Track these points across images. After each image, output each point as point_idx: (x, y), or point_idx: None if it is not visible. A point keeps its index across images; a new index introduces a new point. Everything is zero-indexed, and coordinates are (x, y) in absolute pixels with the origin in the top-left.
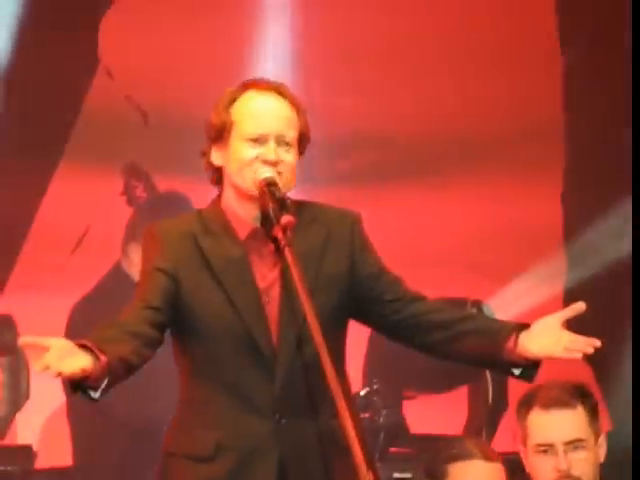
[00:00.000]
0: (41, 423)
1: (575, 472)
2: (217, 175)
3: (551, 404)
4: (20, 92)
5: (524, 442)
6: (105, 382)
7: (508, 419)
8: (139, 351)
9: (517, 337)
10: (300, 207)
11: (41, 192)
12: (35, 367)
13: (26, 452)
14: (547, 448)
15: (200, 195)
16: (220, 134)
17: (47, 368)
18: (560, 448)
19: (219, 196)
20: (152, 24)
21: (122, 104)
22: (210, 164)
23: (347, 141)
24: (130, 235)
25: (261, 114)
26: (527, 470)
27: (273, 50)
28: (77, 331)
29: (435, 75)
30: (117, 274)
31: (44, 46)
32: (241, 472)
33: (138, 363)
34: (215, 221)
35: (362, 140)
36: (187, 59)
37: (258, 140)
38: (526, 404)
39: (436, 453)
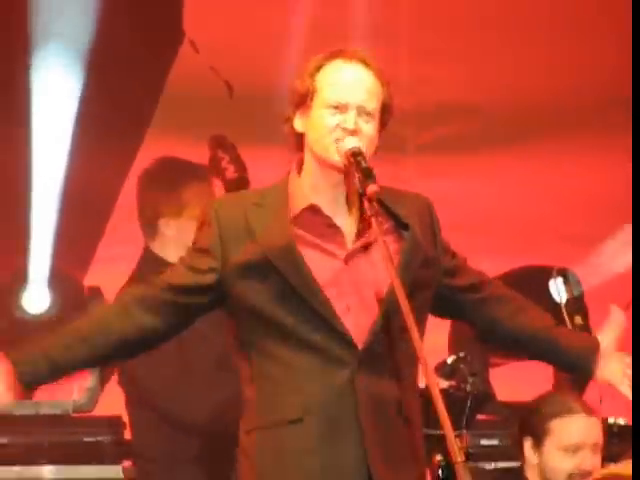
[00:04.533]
0: None
1: None
2: (299, 141)
3: None
4: (106, 65)
5: None
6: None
7: (594, 384)
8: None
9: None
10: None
11: (128, 164)
12: None
13: (116, 423)
14: None
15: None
16: (303, 100)
17: None
18: None
19: (295, 166)
20: None
21: (207, 76)
22: (292, 130)
23: (432, 111)
24: (157, 212)
25: (344, 83)
26: None
27: (359, 19)
28: None
29: (516, 45)
30: (148, 258)
31: (129, 19)
32: (330, 434)
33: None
34: (276, 198)
35: (447, 110)
36: (271, 30)
37: (339, 108)
38: None
39: (534, 410)
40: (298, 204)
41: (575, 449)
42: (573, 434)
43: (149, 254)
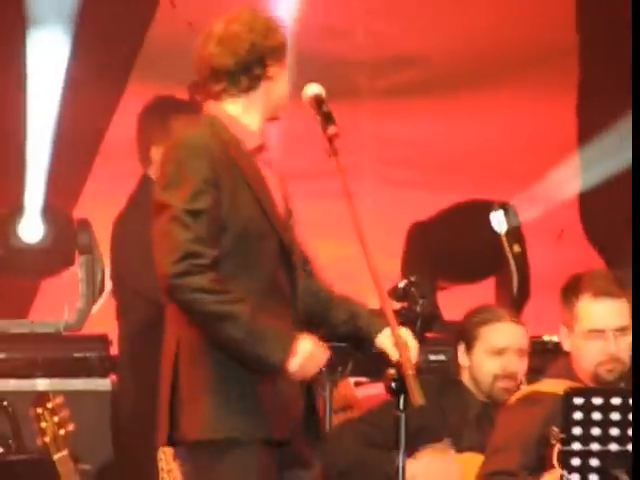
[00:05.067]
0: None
1: (621, 355)
2: (255, 85)
3: (601, 293)
4: (91, 21)
5: (570, 325)
6: None
7: (530, 307)
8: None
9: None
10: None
11: (112, 108)
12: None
13: (102, 340)
14: (598, 333)
15: None
16: (281, 53)
17: None
18: (610, 334)
19: (210, 106)
20: None
21: (184, 31)
22: (261, 75)
23: (386, 61)
24: (149, 141)
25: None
26: (568, 349)
27: None
28: (121, 248)
29: (464, 2)
30: (145, 183)
31: None
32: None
33: None
34: (225, 132)
35: (400, 60)
36: None
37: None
38: (574, 291)
39: (467, 319)
40: (250, 141)
41: (500, 352)
42: (498, 338)
43: (146, 179)
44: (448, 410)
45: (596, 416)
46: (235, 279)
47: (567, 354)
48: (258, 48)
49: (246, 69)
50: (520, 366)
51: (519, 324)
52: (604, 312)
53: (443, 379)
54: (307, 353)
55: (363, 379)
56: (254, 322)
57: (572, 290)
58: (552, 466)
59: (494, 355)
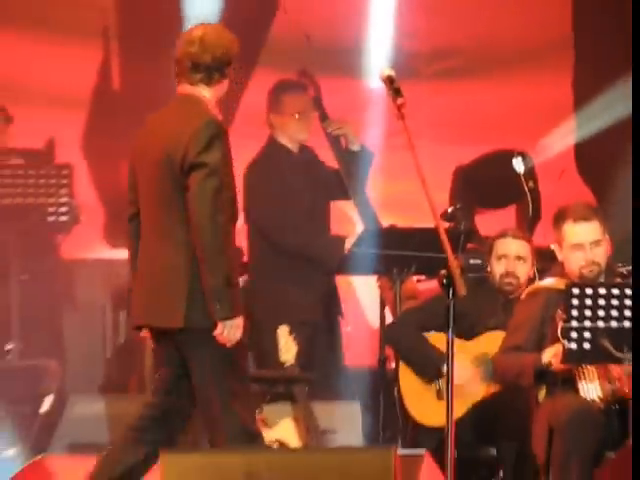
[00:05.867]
0: None
1: (596, 259)
2: (219, 78)
3: (579, 218)
4: (231, 20)
5: (560, 242)
6: None
7: (541, 226)
8: None
9: None
10: None
11: (243, 86)
12: None
13: (238, 252)
14: (579, 246)
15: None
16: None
17: None
18: (587, 245)
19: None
20: None
21: (294, 32)
22: (224, 69)
23: (437, 52)
24: (270, 110)
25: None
26: (560, 259)
27: None
28: (251, 190)
29: (489, 5)
30: (274, 145)
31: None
32: None
33: None
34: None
35: (443, 52)
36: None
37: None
38: (561, 217)
39: (492, 237)
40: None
41: (500, 257)
42: (500, 248)
43: (270, 138)
44: (482, 302)
45: (588, 302)
46: None
47: (561, 262)
48: (228, 52)
49: (218, 68)
50: (519, 268)
51: (518, 238)
52: (582, 231)
53: (478, 279)
54: (234, 324)
55: (423, 277)
56: (231, 275)
57: (560, 217)
58: (554, 341)
59: (499, 260)
